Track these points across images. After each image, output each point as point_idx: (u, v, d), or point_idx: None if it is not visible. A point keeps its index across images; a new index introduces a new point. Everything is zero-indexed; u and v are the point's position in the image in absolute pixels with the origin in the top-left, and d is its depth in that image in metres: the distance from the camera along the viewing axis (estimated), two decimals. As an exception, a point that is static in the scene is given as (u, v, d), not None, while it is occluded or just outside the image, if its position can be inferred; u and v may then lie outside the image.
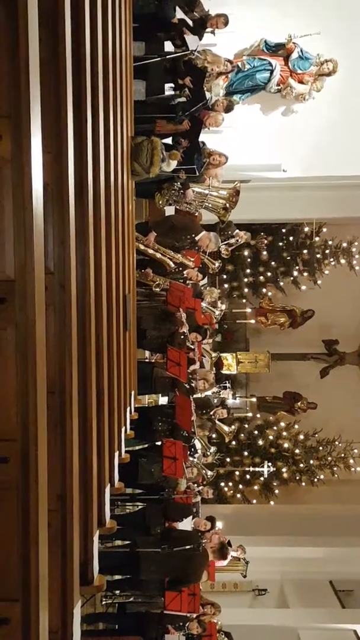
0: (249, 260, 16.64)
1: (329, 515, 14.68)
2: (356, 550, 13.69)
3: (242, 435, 16.22)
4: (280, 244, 16.78)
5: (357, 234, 16.80)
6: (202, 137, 9.94)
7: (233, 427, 13.59)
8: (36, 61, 2.82)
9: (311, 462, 16.31)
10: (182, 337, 8.91)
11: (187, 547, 7.74)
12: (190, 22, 9.32)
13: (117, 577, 7.87)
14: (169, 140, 9.11)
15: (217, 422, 11.23)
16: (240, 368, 16.74)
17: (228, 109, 10.02)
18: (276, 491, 16.12)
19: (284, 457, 16.17)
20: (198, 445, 10.56)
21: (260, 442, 16.17)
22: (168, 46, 9.46)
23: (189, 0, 9.49)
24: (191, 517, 9.26)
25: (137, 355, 8.59)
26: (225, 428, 11.98)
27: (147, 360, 10.00)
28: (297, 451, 16.22)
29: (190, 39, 8.99)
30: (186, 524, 9.20)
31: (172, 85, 9.49)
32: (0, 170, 2.94)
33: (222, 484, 15.91)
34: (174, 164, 8.45)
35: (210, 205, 10.05)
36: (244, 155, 11.54)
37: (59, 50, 3.55)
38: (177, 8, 9.20)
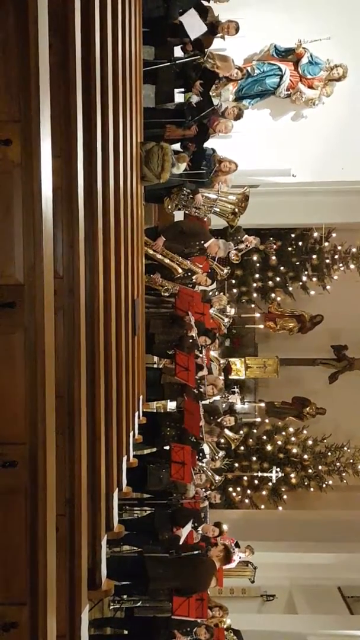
0: (258, 265, 16.62)
1: (338, 521, 14.63)
2: (365, 556, 13.66)
3: (251, 440, 16.19)
4: (290, 249, 16.76)
5: (367, 239, 16.78)
6: (212, 142, 9.95)
7: (241, 432, 13.56)
8: (46, 66, 2.83)
9: (320, 467, 16.26)
10: (191, 341, 8.91)
11: (195, 552, 7.72)
12: (200, 27, 9.30)
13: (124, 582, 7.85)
14: (176, 146, 9.12)
15: (224, 429, 11.22)
16: (249, 373, 16.72)
17: (238, 116, 10.03)
18: (284, 496, 16.09)
19: (293, 462, 16.13)
20: (207, 449, 10.55)
21: (269, 448, 16.13)
22: (178, 51, 9.47)
23: (197, 6, 9.49)
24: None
25: (146, 361, 8.59)
26: (231, 434, 11.96)
27: (155, 367, 10.01)
28: (305, 457, 16.18)
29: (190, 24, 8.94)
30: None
31: (182, 90, 9.52)
32: (10, 174, 2.95)
33: (231, 489, 15.88)
34: (183, 166, 8.47)
35: (219, 210, 10.05)
36: (253, 160, 11.53)
37: (68, 55, 3.56)
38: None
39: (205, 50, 9.57)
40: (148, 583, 7.37)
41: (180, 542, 7.67)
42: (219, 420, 10.87)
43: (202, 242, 9.62)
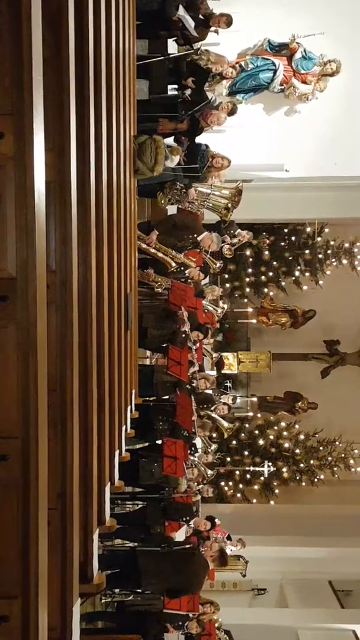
0: (250, 260, 16.63)
1: (329, 516, 14.68)
2: (356, 550, 13.69)
3: (243, 434, 16.21)
4: (282, 243, 16.76)
5: (359, 235, 16.79)
6: (206, 137, 9.93)
7: (235, 424, 13.57)
8: (39, 59, 2.82)
9: (311, 462, 16.30)
10: (184, 335, 8.91)
11: (187, 546, 7.73)
12: (190, 23, 9.28)
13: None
14: (170, 140, 9.10)
15: (217, 417, 11.23)
16: (242, 368, 16.73)
17: (231, 112, 10.02)
18: (276, 491, 16.12)
19: (285, 457, 16.16)
20: (199, 443, 10.56)
21: (261, 442, 16.16)
22: (172, 45, 9.45)
23: (193, 1, 9.48)
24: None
25: (138, 355, 8.58)
26: (225, 423, 11.97)
27: (147, 364, 10.01)
28: (297, 451, 16.21)
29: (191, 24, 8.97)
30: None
31: (174, 85, 9.49)
32: (3, 167, 2.94)
33: (223, 483, 15.90)
34: (176, 159, 8.45)
35: (212, 204, 10.05)
36: (247, 155, 11.53)
37: (62, 48, 3.55)
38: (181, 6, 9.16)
39: (197, 44, 9.55)
40: (140, 579, 7.38)
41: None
42: (212, 408, 10.87)
43: (195, 235, 9.61)
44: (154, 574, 7.38)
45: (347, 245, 16.80)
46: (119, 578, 7.70)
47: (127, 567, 7.45)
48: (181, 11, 8.91)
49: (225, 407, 11.28)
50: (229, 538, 10.41)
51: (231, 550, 10.33)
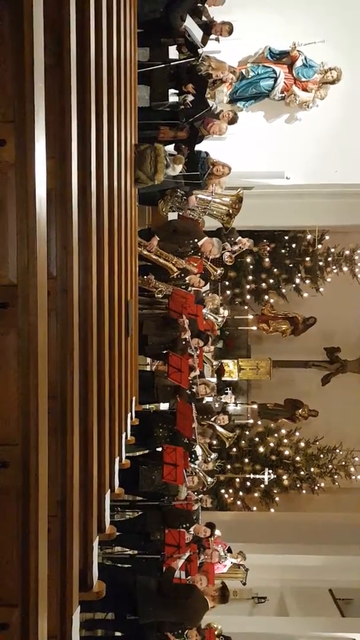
0: (251, 267, 16.63)
1: (330, 523, 14.63)
2: (356, 558, 13.64)
3: (243, 442, 16.18)
4: (283, 251, 16.76)
5: (360, 242, 16.82)
6: (207, 144, 9.94)
7: (235, 431, 13.54)
8: (41, 67, 2.83)
9: (312, 469, 16.27)
10: (184, 343, 8.91)
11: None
12: (197, 33, 9.30)
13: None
14: (170, 148, 9.12)
15: (218, 427, 11.23)
16: (242, 375, 16.72)
17: (232, 121, 10.04)
18: (276, 499, 16.08)
19: (285, 464, 16.13)
20: (199, 451, 10.55)
21: (261, 449, 16.13)
22: (172, 52, 9.48)
23: (195, 8, 9.50)
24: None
25: (138, 362, 8.58)
26: (225, 433, 11.97)
27: (148, 369, 10.01)
28: (297, 459, 16.18)
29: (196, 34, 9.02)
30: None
31: (175, 91, 9.52)
32: (5, 174, 2.95)
33: (223, 490, 15.87)
34: (178, 168, 8.46)
35: (213, 212, 10.06)
36: (248, 162, 11.54)
37: (63, 56, 3.56)
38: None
39: (198, 50, 9.57)
40: (138, 619, 7.32)
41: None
42: (212, 419, 10.86)
43: (196, 240, 9.62)
44: (153, 616, 7.33)
45: (347, 252, 16.80)
46: (117, 608, 7.63)
47: (126, 606, 7.37)
48: (187, 22, 8.94)
49: (226, 417, 11.28)
50: (229, 550, 10.37)
51: (231, 562, 10.31)
